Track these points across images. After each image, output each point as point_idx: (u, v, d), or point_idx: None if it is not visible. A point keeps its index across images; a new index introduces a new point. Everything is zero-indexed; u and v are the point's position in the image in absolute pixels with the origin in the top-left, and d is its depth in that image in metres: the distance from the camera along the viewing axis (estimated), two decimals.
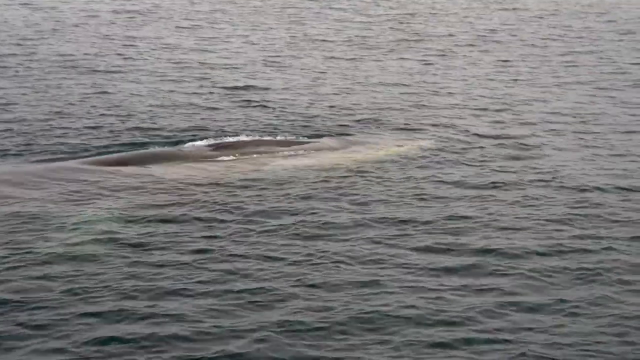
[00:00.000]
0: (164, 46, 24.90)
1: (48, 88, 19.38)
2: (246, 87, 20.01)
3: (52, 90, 19.22)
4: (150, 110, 17.72)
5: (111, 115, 17.22)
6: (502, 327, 9.08)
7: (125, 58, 23.00)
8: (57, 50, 23.58)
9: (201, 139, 15.55)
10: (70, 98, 18.58)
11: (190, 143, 15.40)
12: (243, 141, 15.24)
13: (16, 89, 19.24)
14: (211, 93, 19.41)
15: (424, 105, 18.64)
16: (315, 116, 17.50)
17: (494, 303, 9.52)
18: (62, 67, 21.60)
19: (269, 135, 15.85)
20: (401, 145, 15.31)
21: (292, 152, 14.80)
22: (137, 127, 16.43)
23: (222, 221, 11.69)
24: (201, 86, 20.11)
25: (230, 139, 15.45)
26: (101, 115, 17.24)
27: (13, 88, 19.30)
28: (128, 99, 18.62)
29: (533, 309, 9.47)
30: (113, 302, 9.36)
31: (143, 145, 15.32)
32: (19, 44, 24.35)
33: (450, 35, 27.45)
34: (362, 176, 13.62)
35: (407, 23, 29.55)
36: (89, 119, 16.94)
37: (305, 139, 15.58)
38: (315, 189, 13.00)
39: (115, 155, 14.61)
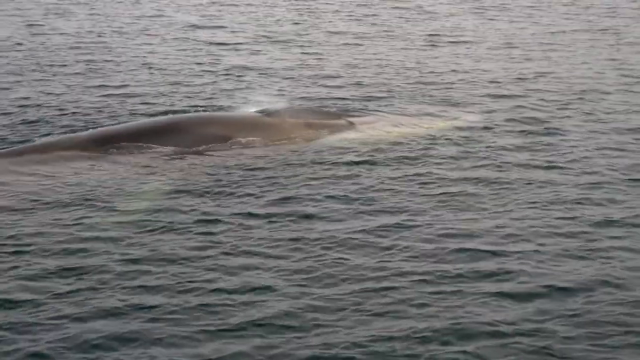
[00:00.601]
0: (167, 24, 24.12)
1: (51, 67, 18.63)
2: (250, 66, 19.09)
3: (55, 69, 18.45)
4: (150, 90, 16.84)
5: (110, 95, 16.38)
6: (515, 319, 8.19)
7: (127, 37, 22.23)
8: (61, 29, 22.89)
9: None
10: (71, 78, 17.76)
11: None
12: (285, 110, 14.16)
13: (19, 68, 18.51)
14: (213, 72, 18.52)
15: (433, 83, 17.71)
16: (322, 94, 16.65)
17: (505, 294, 8.64)
18: (64, 46, 20.83)
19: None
20: (413, 126, 14.26)
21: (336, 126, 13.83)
22: (135, 108, 15.49)
23: (220, 214, 10.69)
24: (203, 64, 19.25)
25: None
26: (100, 95, 16.40)
27: (16, 67, 18.61)
28: (129, 79, 17.75)
29: (548, 299, 8.60)
30: (106, 301, 8.47)
31: None
32: (26, 24, 23.65)
33: (457, 10, 26.61)
34: (373, 160, 12.67)
35: None
36: (89, 102, 16.01)
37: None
38: (324, 172, 12.08)
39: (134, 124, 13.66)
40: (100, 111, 15.21)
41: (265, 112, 13.84)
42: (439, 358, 7.62)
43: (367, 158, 12.65)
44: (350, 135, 13.63)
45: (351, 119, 14.16)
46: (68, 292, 8.63)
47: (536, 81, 17.86)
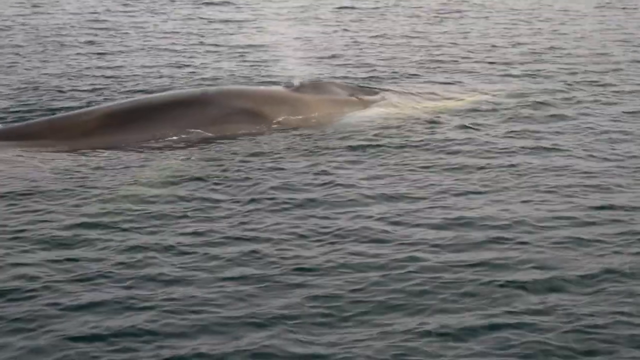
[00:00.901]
0: (171, 1, 23.84)
1: (52, 47, 18.36)
2: (255, 44, 18.79)
3: (56, 49, 18.18)
4: (152, 71, 16.46)
5: (112, 76, 15.99)
6: (522, 309, 7.79)
7: (131, 15, 21.95)
8: (65, 8, 22.67)
9: None
10: (72, 58, 17.46)
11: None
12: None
13: (20, 48, 18.25)
14: (216, 51, 18.17)
15: (440, 60, 17.38)
16: (327, 71, 16.26)
17: (510, 283, 8.23)
18: (67, 25, 20.60)
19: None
20: (437, 102, 13.93)
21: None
22: (137, 89, 15.09)
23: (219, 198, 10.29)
24: (206, 43, 18.90)
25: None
26: (101, 76, 16.03)
27: (18, 47, 18.34)
28: (131, 59, 17.44)
29: (552, 289, 8.18)
30: (103, 291, 8.10)
31: None
32: (31, 3, 23.44)
33: None
34: (383, 141, 12.28)
35: None
36: (89, 83, 15.63)
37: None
38: (335, 151, 11.72)
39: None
40: (99, 93, 14.82)
41: (290, 87, 13.37)
42: (439, 353, 7.24)
43: (375, 142, 12.21)
44: (371, 112, 13.29)
45: (373, 96, 13.78)
46: (65, 283, 8.27)
47: (543, 59, 17.45)
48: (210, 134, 12.16)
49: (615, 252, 8.89)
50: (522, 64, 17.01)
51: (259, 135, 12.37)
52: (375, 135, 12.43)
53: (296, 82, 13.56)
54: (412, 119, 13.15)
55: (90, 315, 7.66)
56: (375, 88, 14.38)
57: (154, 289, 8.10)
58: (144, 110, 12.41)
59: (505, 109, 13.88)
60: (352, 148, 11.91)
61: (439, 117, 13.30)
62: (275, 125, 12.58)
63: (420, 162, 11.51)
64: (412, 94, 14.33)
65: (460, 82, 15.55)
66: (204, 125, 12.23)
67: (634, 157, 11.74)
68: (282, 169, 11.15)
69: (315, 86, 13.42)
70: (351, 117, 13.09)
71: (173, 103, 12.57)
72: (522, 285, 8.16)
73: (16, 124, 12.70)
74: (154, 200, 10.14)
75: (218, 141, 12.07)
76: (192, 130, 12.13)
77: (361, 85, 14.62)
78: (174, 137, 12.00)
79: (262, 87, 14.08)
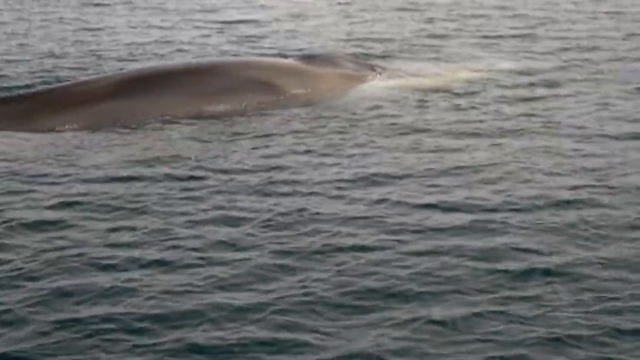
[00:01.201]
0: None
1: (37, 22, 18.30)
2: (244, 19, 18.63)
3: (40, 25, 18.07)
4: (137, 48, 16.25)
5: (95, 53, 15.75)
6: (515, 297, 7.52)
7: None
8: None
9: None
10: (54, 34, 17.30)
11: None
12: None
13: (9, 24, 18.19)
14: (204, 27, 17.98)
15: (434, 35, 17.26)
16: (317, 47, 16.06)
17: (501, 271, 7.95)
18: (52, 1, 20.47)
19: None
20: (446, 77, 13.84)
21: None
22: (123, 65, 14.81)
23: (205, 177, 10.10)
24: (194, 18, 18.73)
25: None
26: (85, 52, 15.82)
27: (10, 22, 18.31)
28: (116, 35, 17.26)
29: (548, 277, 7.88)
30: (86, 276, 7.83)
31: None
32: None
33: None
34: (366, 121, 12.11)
35: None
36: (72, 60, 15.38)
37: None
38: (317, 133, 11.47)
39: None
40: (83, 71, 14.49)
41: (302, 59, 13.33)
42: (427, 339, 6.97)
43: (368, 121, 12.04)
44: (374, 88, 13.24)
45: (375, 71, 13.70)
46: (44, 267, 8.02)
47: (537, 34, 17.33)
48: (216, 107, 11.94)
49: (610, 237, 8.66)
50: (515, 37, 16.94)
51: (260, 110, 12.19)
52: (368, 114, 12.28)
53: (307, 54, 13.72)
54: (412, 96, 13.03)
55: (70, 300, 7.43)
56: (378, 64, 14.23)
57: (135, 272, 7.89)
58: (147, 81, 12.13)
59: (498, 88, 13.67)
60: (344, 127, 11.73)
61: (434, 94, 13.15)
62: (285, 97, 12.49)
63: (409, 142, 11.32)
64: (410, 70, 14.20)
65: (453, 57, 15.41)
66: (210, 96, 12.00)
67: (628, 136, 11.53)
68: (270, 146, 10.97)
69: (326, 59, 13.42)
70: (356, 92, 13.07)
71: (179, 73, 12.41)
72: (513, 271, 7.92)
73: (6, 95, 12.40)
74: (137, 179, 9.92)
75: (217, 116, 11.88)
76: (196, 102, 11.88)
77: (362, 60, 14.49)
78: (169, 111, 11.72)
79: (274, 59, 14.03)
